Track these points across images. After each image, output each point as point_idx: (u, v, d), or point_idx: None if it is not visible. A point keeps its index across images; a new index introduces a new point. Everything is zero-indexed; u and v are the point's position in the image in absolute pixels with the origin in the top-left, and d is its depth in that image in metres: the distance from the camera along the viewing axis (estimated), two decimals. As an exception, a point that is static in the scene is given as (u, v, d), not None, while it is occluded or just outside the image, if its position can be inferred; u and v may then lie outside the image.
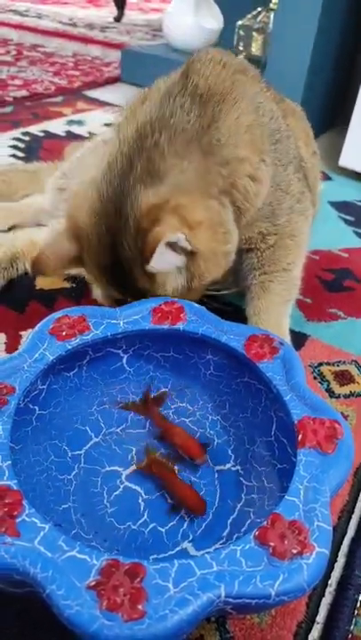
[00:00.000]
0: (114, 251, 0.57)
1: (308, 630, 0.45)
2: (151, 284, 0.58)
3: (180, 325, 0.55)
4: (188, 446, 0.53)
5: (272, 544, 0.35)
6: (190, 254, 0.57)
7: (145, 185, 0.56)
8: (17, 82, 1.86)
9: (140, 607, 0.31)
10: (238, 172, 0.61)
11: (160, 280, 0.58)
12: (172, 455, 0.53)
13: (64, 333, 0.52)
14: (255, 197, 0.64)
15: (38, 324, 0.53)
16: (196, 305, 0.57)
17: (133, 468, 0.52)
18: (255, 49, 1.85)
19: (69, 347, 0.51)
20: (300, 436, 0.43)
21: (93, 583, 0.32)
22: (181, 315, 0.56)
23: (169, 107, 0.60)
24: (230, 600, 0.32)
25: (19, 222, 0.94)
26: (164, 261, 0.55)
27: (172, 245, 0.55)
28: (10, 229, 0.93)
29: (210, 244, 0.58)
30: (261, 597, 0.32)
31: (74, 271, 0.73)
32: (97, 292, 0.72)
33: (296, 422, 0.44)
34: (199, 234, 0.56)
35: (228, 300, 0.81)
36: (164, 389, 0.59)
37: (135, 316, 0.55)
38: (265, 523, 0.36)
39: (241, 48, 1.86)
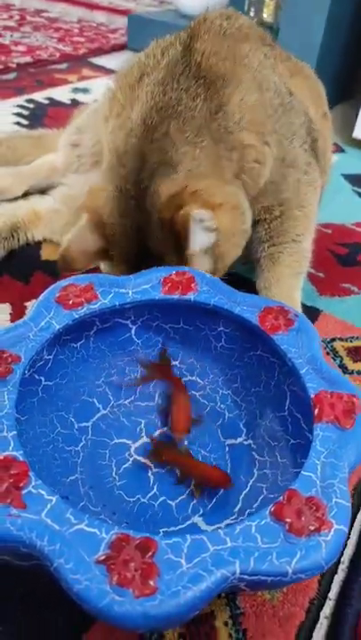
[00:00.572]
0: (142, 245, 0.57)
1: (320, 607, 0.44)
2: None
3: (190, 296, 0.53)
4: (175, 419, 0.51)
5: (288, 520, 0.33)
6: (215, 237, 0.57)
7: (160, 176, 0.56)
8: (20, 48, 1.81)
9: (151, 583, 0.30)
10: (245, 157, 0.61)
11: (193, 263, 0.58)
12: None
13: (71, 302, 0.50)
14: (258, 178, 0.64)
15: (44, 292, 0.51)
16: (208, 275, 0.55)
17: (143, 440, 0.51)
18: (267, 15, 1.77)
19: (76, 316, 0.49)
20: (316, 411, 0.41)
21: (103, 557, 0.31)
22: (192, 285, 0.54)
23: (174, 91, 0.58)
24: (245, 577, 0.31)
25: (32, 185, 0.92)
26: (199, 241, 0.55)
27: (201, 224, 0.55)
28: (24, 195, 0.91)
29: (230, 224, 0.58)
30: (278, 575, 0.31)
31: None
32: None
33: (312, 396, 0.43)
34: (220, 214, 0.56)
35: (234, 271, 0.79)
36: (162, 350, 0.58)
37: (144, 286, 0.53)
38: (281, 498, 0.35)
39: (252, 14, 1.79)
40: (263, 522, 0.34)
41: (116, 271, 0.60)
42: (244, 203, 0.62)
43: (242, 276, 0.78)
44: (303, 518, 0.34)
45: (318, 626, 0.43)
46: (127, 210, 0.57)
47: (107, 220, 0.58)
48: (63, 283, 0.52)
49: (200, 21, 0.65)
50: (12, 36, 1.95)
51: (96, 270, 0.62)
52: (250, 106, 0.61)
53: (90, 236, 0.59)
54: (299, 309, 0.68)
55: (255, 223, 0.71)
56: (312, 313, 0.76)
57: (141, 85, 0.62)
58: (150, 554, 0.31)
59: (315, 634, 0.42)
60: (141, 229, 0.57)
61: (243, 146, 0.61)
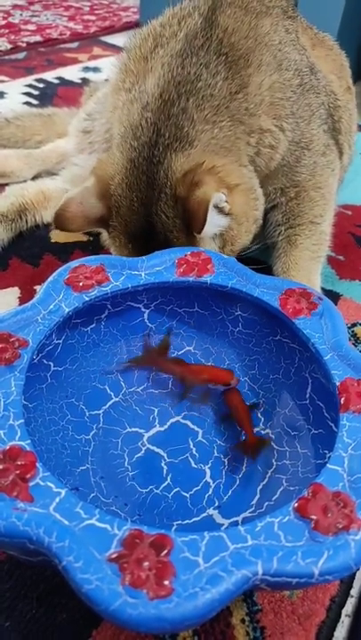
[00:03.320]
0: (147, 220, 0.55)
1: (342, 605, 0.42)
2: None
3: (206, 278, 0.50)
4: (215, 375, 0.50)
5: (314, 517, 0.31)
6: (228, 221, 0.55)
7: (175, 151, 0.53)
8: (30, 27, 1.77)
9: (166, 583, 0.28)
10: (263, 142, 0.60)
11: (199, 245, 0.55)
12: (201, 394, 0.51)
13: (81, 284, 0.48)
14: (270, 162, 0.62)
15: (53, 274, 0.48)
16: (225, 256, 0.52)
17: (157, 429, 0.49)
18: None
19: (87, 298, 0.47)
20: (342, 400, 0.39)
21: (115, 555, 0.28)
22: (208, 266, 0.51)
23: (193, 66, 0.56)
24: (268, 578, 0.29)
25: (43, 170, 0.89)
26: (212, 225, 0.53)
27: (217, 209, 0.53)
28: (33, 178, 0.88)
29: (243, 207, 0.57)
30: (303, 576, 0.29)
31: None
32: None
33: (337, 384, 0.40)
34: (235, 196, 0.55)
35: (255, 257, 0.76)
36: (165, 335, 0.55)
37: (158, 267, 0.51)
38: (305, 493, 0.33)
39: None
40: (286, 518, 0.31)
41: (115, 242, 0.58)
42: (258, 188, 0.60)
43: (258, 260, 0.75)
44: (330, 515, 0.31)
45: (340, 624, 0.41)
46: (137, 184, 0.55)
47: (113, 191, 0.56)
48: (73, 264, 0.50)
49: None
50: (21, 14, 1.90)
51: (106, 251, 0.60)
52: (269, 88, 0.59)
53: (94, 201, 0.57)
54: (318, 293, 0.66)
55: (272, 207, 0.69)
56: (332, 297, 0.73)
57: (156, 56, 0.59)
58: (165, 552, 0.29)
59: (336, 632, 0.40)
60: (149, 205, 0.54)
61: (261, 130, 0.59)
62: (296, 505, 0.32)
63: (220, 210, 0.53)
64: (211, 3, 0.61)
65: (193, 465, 0.47)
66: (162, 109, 0.55)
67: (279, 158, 0.63)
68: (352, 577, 0.43)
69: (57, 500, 0.31)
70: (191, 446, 0.48)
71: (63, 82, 1.37)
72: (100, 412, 0.49)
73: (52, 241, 0.79)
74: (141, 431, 0.49)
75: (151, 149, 0.54)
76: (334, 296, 0.74)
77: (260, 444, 0.47)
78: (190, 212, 0.51)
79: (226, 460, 0.47)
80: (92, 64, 1.53)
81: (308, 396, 0.47)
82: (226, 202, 0.53)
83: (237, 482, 0.45)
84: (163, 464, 0.46)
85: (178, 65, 0.56)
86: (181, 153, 0.53)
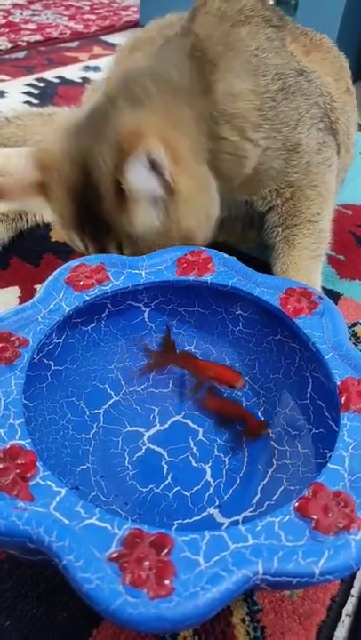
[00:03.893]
0: (83, 171, 0.52)
1: (343, 604, 0.42)
2: (119, 210, 0.52)
3: (207, 277, 0.50)
4: (220, 374, 0.50)
5: (314, 517, 0.31)
6: (170, 193, 0.52)
7: (127, 110, 0.52)
8: (30, 26, 1.77)
9: (167, 583, 0.27)
10: (220, 148, 0.59)
11: (131, 208, 0.51)
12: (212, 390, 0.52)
13: (81, 283, 0.48)
14: (239, 167, 0.61)
15: (53, 273, 0.48)
16: (226, 255, 0.52)
17: (157, 428, 0.49)
18: (285, -11, 1.71)
19: (87, 298, 0.47)
20: (343, 399, 0.39)
21: (115, 555, 0.28)
22: (209, 265, 0.51)
23: (162, 62, 0.56)
24: (268, 578, 0.29)
25: None
26: (140, 178, 0.48)
27: (153, 166, 0.48)
28: None
29: (190, 189, 0.54)
30: (304, 576, 0.29)
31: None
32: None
33: (338, 384, 0.40)
34: (182, 174, 0.52)
35: (255, 257, 0.76)
36: (166, 332, 0.55)
37: (158, 267, 0.51)
38: (305, 492, 0.33)
39: (269, -12, 1.73)
40: (287, 518, 0.31)
41: (54, 204, 0.56)
42: (214, 184, 0.58)
43: (262, 261, 0.76)
44: (330, 515, 0.31)
45: (340, 624, 0.41)
46: (76, 135, 0.53)
47: (50, 147, 0.55)
48: (73, 263, 0.50)
49: (201, 3, 0.62)
50: (22, 14, 1.90)
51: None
52: (235, 95, 0.58)
53: (29, 167, 0.55)
54: (319, 293, 0.66)
55: (268, 209, 0.68)
56: (332, 297, 0.73)
57: (131, 58, 0.60)
58: (166, 551, 0.29)
59: (336, 632, 0.40)
60: (89, 155, 0.51)
61: (219, 137, 0.58)
62: (297, 504, 0.32)
63: (154, 169, 0.49)
64: (190, 14, 0.62)
65: (193, 464, 0.46)
66: (120, 86, 0.55)
67: (253, 165, 0.62)
68: (353, 576, 0.43)
69: (57, 499, 0.31)
70: (192, 445, 0.48)
71: (63, 81, 1.37)
72: (101, 411, 0.49)
73: (53, 240, 0.79)
74: (142, 430, 0.49)
75: (104, 112, 0.53)
76: (335, 295, 0.73)
77: (264, 425, 0.48)
78: (120, 153, 0.48)
79: (226, 459, 0.47)
80: (92, 63, 1.53)
81: (308, 395, 0.47)
82: (162, 161, 0.48)
83: (238, 481, 0.45)
84: (163, 463, 0.46)
85: (147, 61, 0.57)
86: (135, 112, 0.52)
